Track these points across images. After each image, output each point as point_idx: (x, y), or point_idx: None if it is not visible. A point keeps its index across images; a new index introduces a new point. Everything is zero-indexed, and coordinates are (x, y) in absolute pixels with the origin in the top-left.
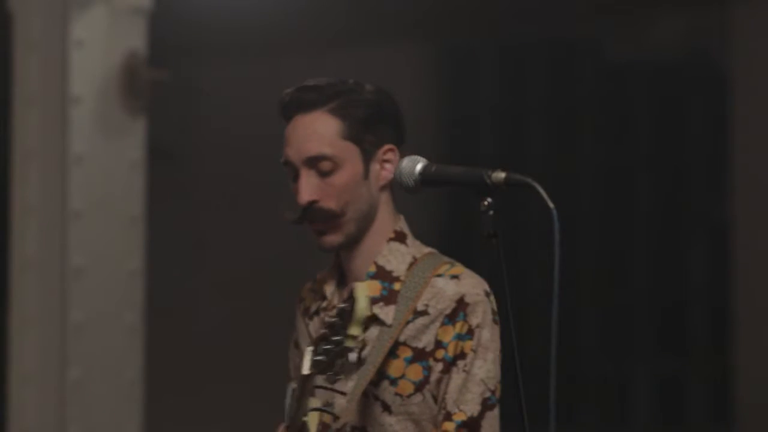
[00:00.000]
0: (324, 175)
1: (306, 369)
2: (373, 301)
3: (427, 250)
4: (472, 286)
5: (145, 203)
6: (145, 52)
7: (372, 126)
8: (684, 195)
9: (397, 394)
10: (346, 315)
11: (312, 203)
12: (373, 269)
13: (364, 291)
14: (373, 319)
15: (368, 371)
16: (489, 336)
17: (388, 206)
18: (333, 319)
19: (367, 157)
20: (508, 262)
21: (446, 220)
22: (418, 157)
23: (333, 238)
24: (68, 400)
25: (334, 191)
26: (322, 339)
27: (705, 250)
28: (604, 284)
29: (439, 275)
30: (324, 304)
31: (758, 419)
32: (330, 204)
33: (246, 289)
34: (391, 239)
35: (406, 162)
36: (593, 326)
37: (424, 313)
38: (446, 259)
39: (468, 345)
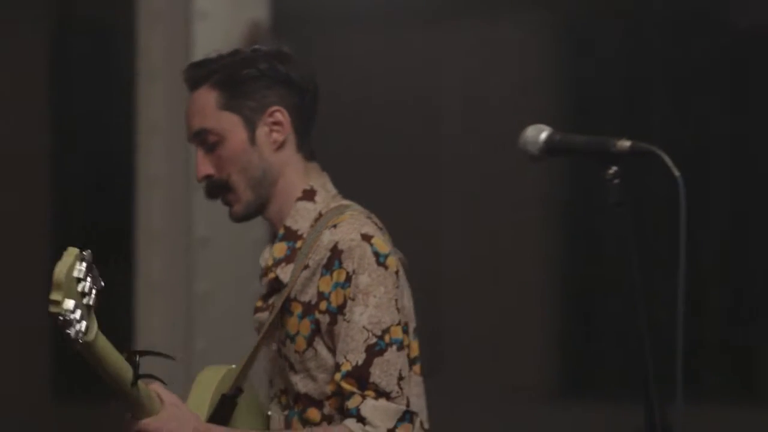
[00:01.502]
0: (211, 148)
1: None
2: (278, 262)
3: (337, 203)
4: (346, 232)
5: None
6: (267, 23)
7: (252, 91)
8: None
9: (296, 351)
10: None
11: (207, 178)
12: (282, 231)
13: (71, 254)
14: (277, 281)
15: (263, 330)
16: (368, 280)
17: (292, 166)
18: None
19: (251, 124)
20: (634, 230)
21: (569, 188)
22: (543, 126)
23: (236, 209)
24: (193, 371)
25: (222, 163)
26: None
27: None
28: (731, 250)
29: (329, 227)
30: (261, 270)
31: None
32: (222, 176)
33: None
34: (298, 199)
35: (531, 131)
36: (720, 293)
37: (307, 266)
38: (353, 210)
39: (348, 292)
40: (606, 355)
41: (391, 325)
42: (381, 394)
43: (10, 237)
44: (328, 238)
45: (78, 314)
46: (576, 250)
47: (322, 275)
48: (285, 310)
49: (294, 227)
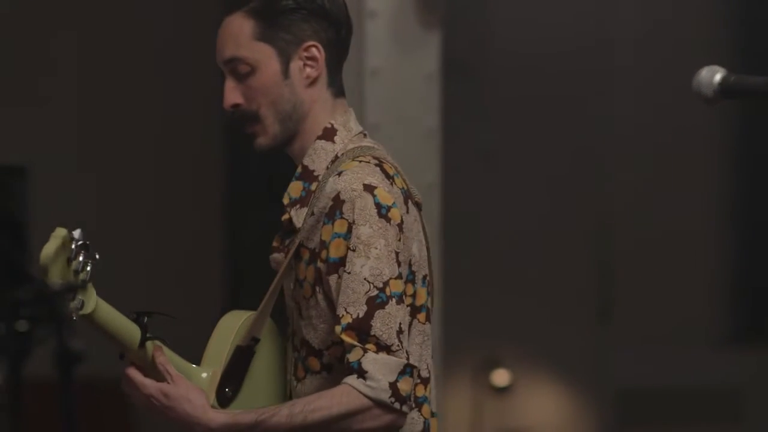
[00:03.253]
0: (242, 78)
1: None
2: (293, 203)
3: (355, 144)
4: (349, 181)
5: (440, 116)
6: None
7: (288, 24)
8: None
9: (303, 297)
10: None
11: (234, 107)
12: (299, 170)
13: (58, 237)
14: (290, 223)
15: (278, 275)
16: (369, 232)
17: (321, 103)
18: None
19: (285, 57)
20: None
21: (741, 127)
22: (717, 67)
23: (261, 141)
24: None
25: (252, 93)
26: None
27: None
28: None
29: (335, 174)
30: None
31: None
32: (252, 106)
33: (537, 207)
34: (318, 137)
35: (705, 72)
36: None
37: (312, 213)
38: (365, 155)
39: (349, 243)
40: None
41: (391, 278)
42: (382, 347)
43: (183, 166)
44: (331, 186)
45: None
46: (749, 192)
47: (324, 224)
48: (297, 254)
49: (311, 167)
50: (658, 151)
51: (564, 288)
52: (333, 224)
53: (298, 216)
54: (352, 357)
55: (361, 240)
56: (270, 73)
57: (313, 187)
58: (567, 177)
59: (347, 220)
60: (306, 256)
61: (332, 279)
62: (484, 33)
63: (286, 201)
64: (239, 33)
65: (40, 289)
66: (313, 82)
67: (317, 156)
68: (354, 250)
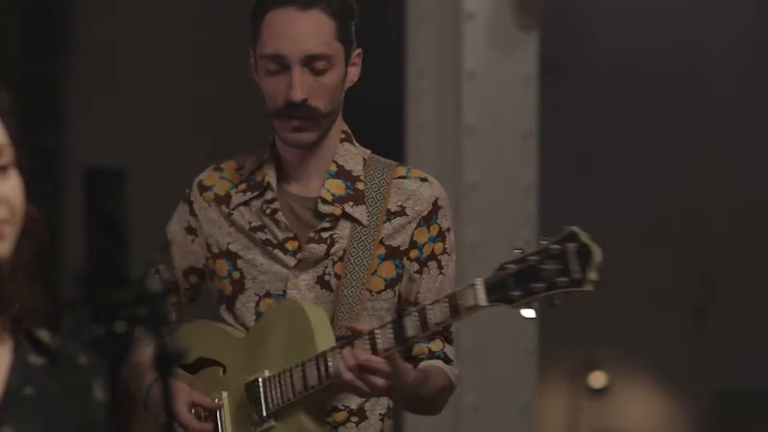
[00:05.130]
0: (317, 74)
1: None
2: (341, 199)
3: (366, 150)
4: (440, 189)
5: (537, 118)
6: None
7: (349, 27)
8: None
9: (366, 289)
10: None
11: (303, 101)
12: (333, 168)
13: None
14: (343, 216)
15: (361, 271)
16: (453, 238)
17: (341, 107)
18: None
19: (348, 59)
20: None
21: None
22: None
23: (308, 136)
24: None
25: (324, 91)
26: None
27: None
28: None
29: (402, 177)
30: (268, 195)
31: None
32: (318, 103)
33: (635, 208)
34: (342, 139)
35: None
36: None
37: (400, 213)
38: (389, 160)
39: (439, 247)
40: None
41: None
42: (449, 340)
43: None
44: (428, 192)
45: None
46: None
47: (419, 226)
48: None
49: (347, 167)
50: (758, 150)
51: (661, 290)
52: (429, 227)
53: (358, 212)
54: (434, 347)
55: (451, 246)
56: (339, 72)
57: (359, 186)
58: (665, 177)
59: (440, 225)
60: (380, 251)
61: (417, 277)
62: (581, 34)
63: (329, 198)
64: (323, 30)
65: (138, 290)
66: (347, 87)
67: (349, 157)
68: (449, 254)
